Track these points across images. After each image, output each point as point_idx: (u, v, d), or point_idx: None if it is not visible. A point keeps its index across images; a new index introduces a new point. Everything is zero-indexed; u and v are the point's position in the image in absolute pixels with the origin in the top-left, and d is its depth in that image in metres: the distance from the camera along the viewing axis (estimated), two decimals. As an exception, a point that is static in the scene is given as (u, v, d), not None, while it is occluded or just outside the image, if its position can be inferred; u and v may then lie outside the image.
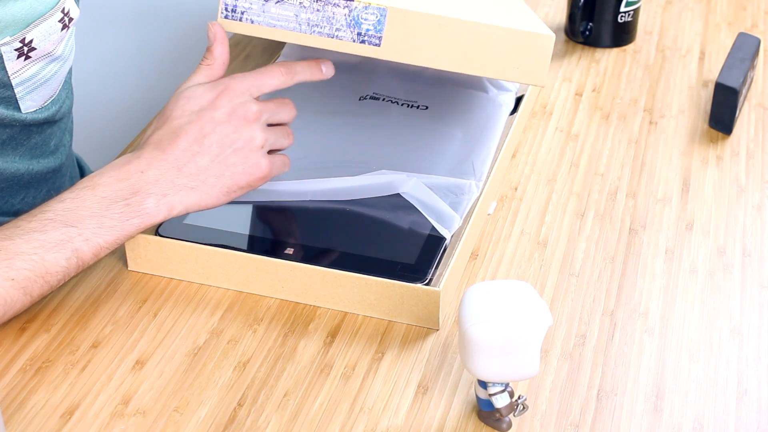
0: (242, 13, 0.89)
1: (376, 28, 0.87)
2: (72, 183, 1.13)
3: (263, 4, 0.88)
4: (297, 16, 0.88)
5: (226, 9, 0.90)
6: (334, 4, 0.87)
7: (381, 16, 0.87)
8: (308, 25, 0.88)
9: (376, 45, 0.87)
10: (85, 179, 0.86)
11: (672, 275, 0.92)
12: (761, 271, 0.93)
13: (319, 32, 0.88)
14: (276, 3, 0.87)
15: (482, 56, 0.88)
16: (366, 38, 0.87)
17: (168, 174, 0.85)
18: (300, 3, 0.87)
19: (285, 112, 0.92)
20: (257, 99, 0.90)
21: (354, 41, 0.88)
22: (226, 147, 0.86)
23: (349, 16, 0.87)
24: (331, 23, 0.88)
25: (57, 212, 0.83)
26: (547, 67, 0.89)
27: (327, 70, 0.93)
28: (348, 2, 0.86)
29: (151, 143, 0.87)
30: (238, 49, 1.26)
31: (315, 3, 0.87)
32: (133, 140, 1.09)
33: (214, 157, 0.86)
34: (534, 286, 0.90)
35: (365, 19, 0.87)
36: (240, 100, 0.88)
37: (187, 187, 0.86)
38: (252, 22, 0.89)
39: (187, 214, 0.93)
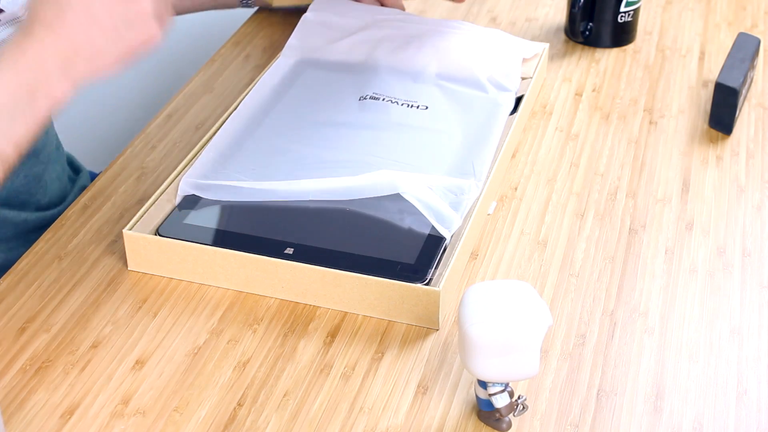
0: None
1: None
2: (59, 180, 1.13)
3: None
4: None
5: None
6: None
7: None
8: None
9: None
10: None
11: (672, 275, 0.92)
12: (761, 271, 0.93)
13: None
14: None
15: None
16: None
17: (64, 53, 0.82)
18: None
19: None
20: None
21: None
22: (117, 21, 0.83)
23: None
24: None
25: None
26: None
27: None
28: None
29: (37, 21, 0.83)
30: (238, 49, 1.26)
31: None
32: (132, 141, 1.10)
33: (107, 33, 0.83)
34: (534, 286, 0.90)
35: None
36: None
37: (85, 65, 0.83)
38: None
39: (188, 214, 0.93)
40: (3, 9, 0.92)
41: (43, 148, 1.08)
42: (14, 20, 0.95)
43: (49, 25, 0.82)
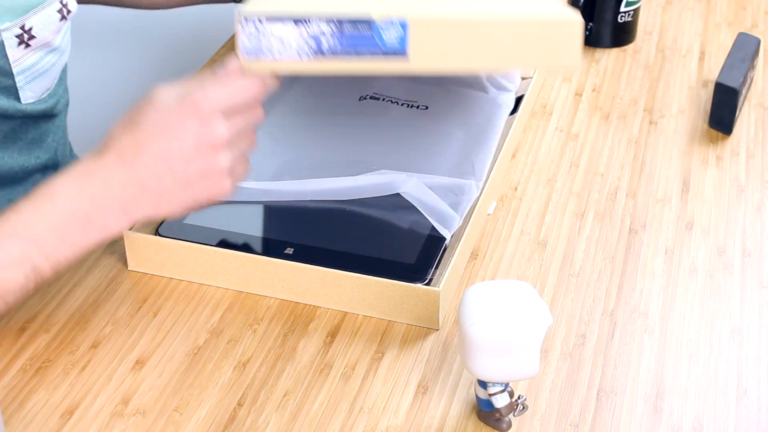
0: (262, 52, 0.84)
1: (400, 41, 0.84)
2: None
3: (282, 39, 0.83)
4: (319, 44, 0.83)
5: (246, 53, 0.82)
6: (354, 24, 0.82)
7: (403, 28, 0.84)
8: (331, 51, 0.84)
9: (403, 59, 0.84)
10: (44, 185, 0.81)
11: (672, 275, 0.92)
12: (761, 271, 0.93)
13: (344, 55, 0.83)
14: (296, 26, 0.83)
15: (513, 51, 0.83)
16: (392, 53, 0.83)
17: (130, 190, 0.80)
18: (321, 32, 0.83)
19: (253, 118, 0.85)
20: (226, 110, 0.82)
21: (381, 59, 0.84)
22: (191, 172, 0.81)
23: (370, 33, 0.83)
24: (354, 44, 0.83)
25: (15, 226, 0.79)
26: (580, 48, 0.83)
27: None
28: (368, 21, 0.82)
29: (113, 150, 0.81)
30: (238, 49, 1.26)
31: (335, 27, 0.82)
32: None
33: (178, 180, 0.81)
34: (534, 286, 0.90)
35: (388, 34, 0.83)
36: (208, 122, 0.80)
37: (147, 206, 0.81)
38: (273, 58, 0.84)
39: (188, 213, 0.93)
40: (35, 35, 0.93)
41: (62, 161, 1.08)
42: (45, 45, 0.96)
43: (123, 159, 0.80)
